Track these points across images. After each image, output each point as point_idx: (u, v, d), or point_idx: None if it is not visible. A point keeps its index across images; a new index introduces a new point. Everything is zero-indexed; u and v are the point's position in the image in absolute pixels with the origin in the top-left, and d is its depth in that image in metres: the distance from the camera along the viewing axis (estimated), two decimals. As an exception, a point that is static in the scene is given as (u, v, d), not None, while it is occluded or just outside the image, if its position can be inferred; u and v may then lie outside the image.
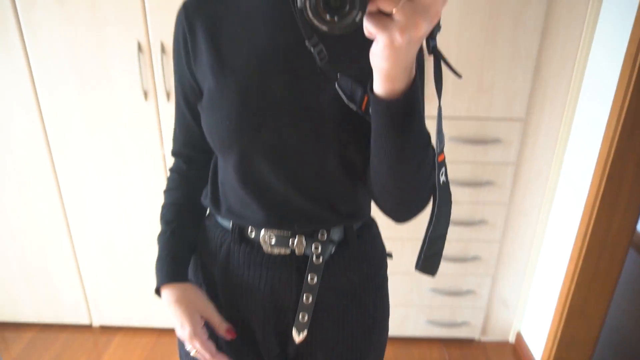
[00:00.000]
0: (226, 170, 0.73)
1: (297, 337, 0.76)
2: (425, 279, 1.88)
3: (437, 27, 0.50)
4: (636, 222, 1.54)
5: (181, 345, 0.82)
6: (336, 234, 0.74)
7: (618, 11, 1.41)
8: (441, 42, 1.50)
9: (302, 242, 0.72)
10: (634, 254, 2.83)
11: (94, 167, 1.73)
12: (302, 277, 0.73)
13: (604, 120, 1.46)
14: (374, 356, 0.84)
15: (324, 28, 0.44)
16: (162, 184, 1.73)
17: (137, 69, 1.56)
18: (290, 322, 0.76)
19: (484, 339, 2.06)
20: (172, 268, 0.77)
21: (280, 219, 0.71)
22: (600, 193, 1.47)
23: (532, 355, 1.90)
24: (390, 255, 0.85)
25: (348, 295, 0.77)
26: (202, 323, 0.74)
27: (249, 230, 0.74)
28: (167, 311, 0.74)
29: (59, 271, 1.92)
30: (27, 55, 1.57)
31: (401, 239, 1.80)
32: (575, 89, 1.59)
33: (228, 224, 0.76)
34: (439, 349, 2.00)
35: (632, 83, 1.33)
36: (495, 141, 1.64)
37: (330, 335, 0.78)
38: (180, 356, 0.86)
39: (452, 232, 1.78)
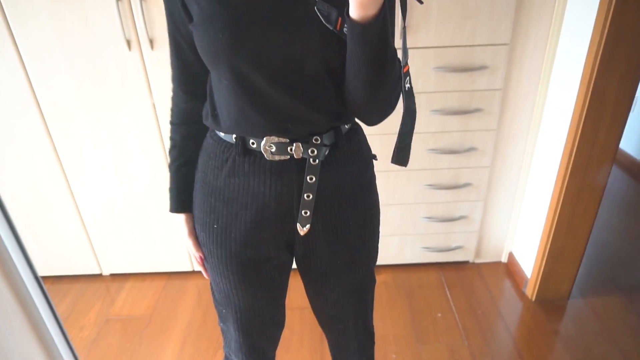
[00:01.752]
0: (221, 85, 0.79)
1: (301, 230, 0.87)
2: (420, 208, 1.96)
3: None
4: (620, 138, 1.59)
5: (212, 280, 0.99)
6: (328, 138, 0.84)
7: None
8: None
9: (299, 147, 0.81)
10: (619, 171, 2.92)
11: (85, 121, 1.74)
12: (302, 179, 0.83)
13: (588, 39, 1.47)
14: (367, 249, 0.97)
15: None
16: (154, 132, 1.75)
17: (118, 19, 1.54)
18: (294, 221, 0.87)
19: (478, 261, 2.17)
20: (177, 202, 0.96)
21: (277, 125, 0.79)
22: (585, 109, 1.51)
23: (523, 272, 2.01)
24: (375, 157, 0.96)
25: (342, 192, 0.88)
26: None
27: (251, 142, 0.82)
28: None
29: (63, 226, 1.98)
30: (7, 20, 1.54)
31: (394, 170, 1.85)
32: (560, 11, 1.59)
33: (231, 138, 0.84)
34: (436, 272, 2.12)
35: (614, 1, 1.34)
36: (481, 68, 1.66)
37: (329, 230, 0.89)
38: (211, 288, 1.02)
39: (444, 161, 1.83)
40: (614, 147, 1.60)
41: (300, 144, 0.81)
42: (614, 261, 2.17)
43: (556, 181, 1.70)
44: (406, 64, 0.70)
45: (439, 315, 1.89)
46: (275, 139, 0.80)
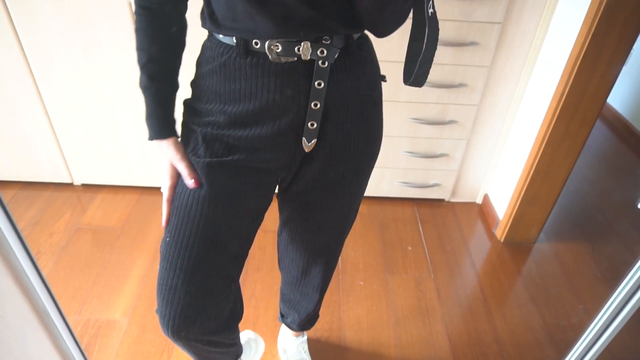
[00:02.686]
0: None
1: (306, 145, 0.82)
2: (402, 142, 1.93)
3: None
4: (611, 87, 1.57)
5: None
6: (338, 41, 0.76)
7: None
8: None
9: (307, 47, 0.74)
10: (602, 125, 2.93)
11: (55, 18, 1.60)
12: (309, 85, 0.76)
13: (599, -27, 1.39)
14: (365, 173, 0.93)
15: None
16: (130, 35, 1.63)
17: None
18: (297, 134, 0.81)
19: (453, 200, 2.19)
20: (159, 126, 0.82)
21: (285, 26, 0.72)
22: (583, 52, 1.46)
23: (496, 213, 2.05)
24: (384, 78, 0.90)
25: (350, 104, 0.82)
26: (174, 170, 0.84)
27: (254, 42, 0.74)
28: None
29: (32, 130, 1.88)
30: None
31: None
32: (575, -60, 1.49)
33: (231, 40, 0.76)
34: (411, 207, 2.14)
35: None
36: (484, -3, 1.57)
37: (332, 146, 0.84)
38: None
39: (432, 95, 1.79)
40: (603, 96, 1.58)
41: (309, 43, 0.73)
42: (582, 210, 2.23)
43: (542, 125, 1.68)
44: None
45: (410, 248, 1.93)
46: (282, 39, 0.73)
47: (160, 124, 0.82)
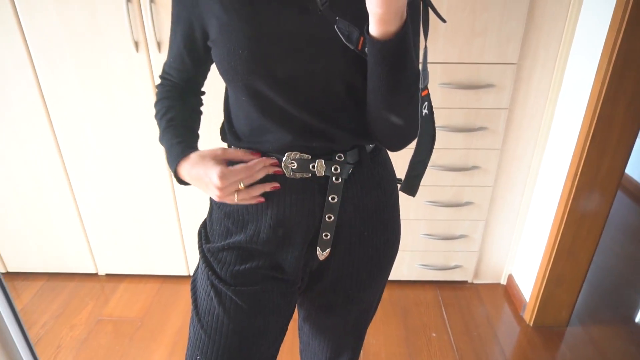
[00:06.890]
0: (240, 100, 0.76)
1: (321, 254, 0.83)
2: (420, 225, 1.94)
3: None
4: (625, 163, 1.57)
5: (193, 283, 0.89)
6: (351, 157, 0.79)
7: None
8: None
9: (322, 164, 0.77)
10: (625, 197, 2.88)
11: (89, 120, 1.74)
12: (324, 199, 0.78)
13: (596, 62, 1.46)
14: (384, 275, 0.93)
15: None
16: (156, 134, 1.75)
17: (127, 20, 1.55)
18: (312, 244, 0.82)
19: (476, 281, 2.14)
20: (179, 149, 0.78)
21: (299, 141, 0.75)
22: (591, 134, 1.49)
23: (522, 295, 1.97)
24: (400, 181, 0.91)
25: (365, 215, 0.83)
26: (225, 164, 0.76)
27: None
28: (192, 184, 0.77)
29: (62, 223, 1.97)
30: (17, 14, 1.56)
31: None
32: (569, 32, 1.58)
33: None
34: (433, 291, 2.08)
35: (624, 25, 1.33)
36: (488, 86, 1.64)
37: (348, 253, 0.85)
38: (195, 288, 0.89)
39: (446, 178, 1.81)
40: (619, 174, 1.58)
41: (323, 161, 0.77)
42: (615, 289, 2.13)
43: (558, 205, 1.67)
44: (425, 87, 0.65)
45: (434, 335, 1.86)
46: (297, 155, 0.76)
47: (179, 148, 0.78)
